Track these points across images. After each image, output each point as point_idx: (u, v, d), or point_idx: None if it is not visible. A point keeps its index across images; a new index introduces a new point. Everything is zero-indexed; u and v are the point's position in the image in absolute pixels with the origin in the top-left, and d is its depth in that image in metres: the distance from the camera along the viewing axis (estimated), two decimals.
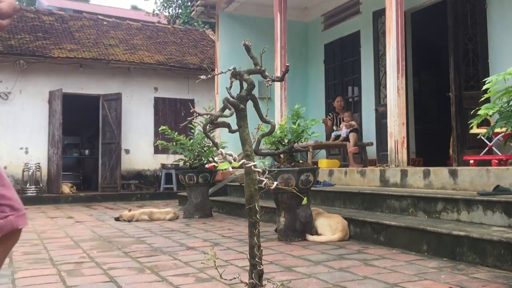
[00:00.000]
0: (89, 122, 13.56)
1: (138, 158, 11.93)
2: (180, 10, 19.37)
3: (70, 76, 11.37)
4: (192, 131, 6.65)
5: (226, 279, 2.20)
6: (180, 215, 6.59)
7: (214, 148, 6.15)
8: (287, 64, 1.26)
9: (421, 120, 8.39)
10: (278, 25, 7.80)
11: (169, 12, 19.47)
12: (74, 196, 10.42)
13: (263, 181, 1.23)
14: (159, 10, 19.64)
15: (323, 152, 9.08)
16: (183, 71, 12.33)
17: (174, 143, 6.61)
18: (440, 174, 4.83)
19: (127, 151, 11.78)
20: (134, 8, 32.50)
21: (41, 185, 10.50)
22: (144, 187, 11.81)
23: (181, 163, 6.95)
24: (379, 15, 7.95)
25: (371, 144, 7.88)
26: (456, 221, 3.90)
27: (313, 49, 10.14)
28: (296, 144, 4.37)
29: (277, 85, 7.84)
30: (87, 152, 13.43)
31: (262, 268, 1.18)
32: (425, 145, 8.19)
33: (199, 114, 1.27)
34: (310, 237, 4.28)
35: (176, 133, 6.48)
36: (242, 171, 7.21)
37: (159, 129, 6.74)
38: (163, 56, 12.61)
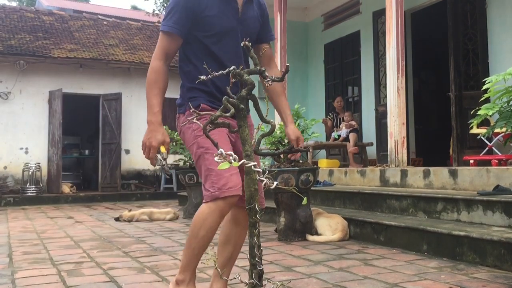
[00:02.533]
0: (89, 122, 13.55)
1: (138, 158, 11.90)
2: None
3: (70, 76, 11.36)
4: None
5: (226, 279, 2.19)
6: (180, 215, 6.59)
7: None
8: (287, 64, 1.26)
9: (421, 120, 8.39)
10: (278, 25, 7.81)
11: None
12: (74, 196, 10.41)
13: (263, 181, 1.23)
14: (159, 10, 19.62)
15: (323, 152, 9.08)
16: None
17: (174, 143, 6.60)
18: (440, 174, 4.83)
19: (127, 151, 11.77)
20: (134, 8, 32.49)
21: (41, 185, 10.50)
22: (144, 187, 11.81)
23: (181, 163, 6.95)
24: (379, 15, 7.95)
25: (371, 144, 7.88)
26: (456, 221, 3.90)
27: (313, 49, 10.13)
28: None
29: None
30: (87, 152, 13.42)
31: (262, 268, 1.18)
32: (425, 145, 8.19)
33: (199, 114, 1.27)
34: (310, 237, 4.28)
35: (176, 133, 6.48)
36: None
37: None
38: None
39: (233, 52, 2.04)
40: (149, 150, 1.98)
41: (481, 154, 5.87)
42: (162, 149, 1.95)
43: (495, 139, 5.81)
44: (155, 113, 2.00)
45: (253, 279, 1.20)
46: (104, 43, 12.46)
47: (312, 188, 4.79)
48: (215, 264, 2.16)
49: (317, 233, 4.31)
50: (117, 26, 14.04)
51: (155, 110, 2.01)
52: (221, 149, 1.36)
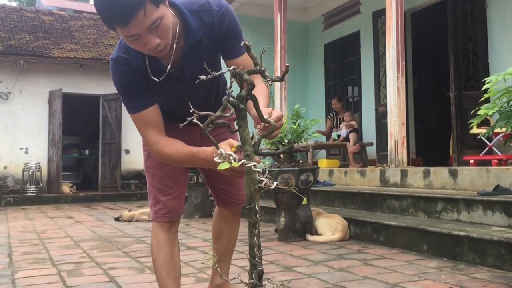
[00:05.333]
0: (89, 122, 13.55)
1: (138, 158, 11.90)
2: None
3: (70, 76, 11.36)
4: None
5: (226, 279, 2.19)
6: None
7: None
8: (287, 64, 1.26)
9: (421, 120, 8.39)
10: (278, 25, 7.80)
11: None
12: (74, 196, 10.41)
13: (263, 181, 1.22)
14: None
15: (323, 152, 9.08)
16: None
17: None
18: (440, 174, 4.83)
19: (127, 151, 11.77)
20: None
21: (41, 185, 10.50)
22: (144, 187, 11.80)
23: None
24: (379, 15, 7.95)
25: (371, 144, 7.87)
26: (456, 221, 3.90)
27: (313, 49, 10.13)
28: (296, 144, 4.37)
29: (277, 85, 7.84)
30: (87, 152, 13.42)
31: (262, 268, 1.18)
32: (425, 145, 8.18)
33: (199, 114, 1.27)
34: (310, 237, 4.28)
35: None
36: None
37: None
38: None
39: (184, 102, 1.62)
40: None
41: (481, 154, 5.87)
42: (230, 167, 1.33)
43: (495, 139, 5.81)
44: (202, 158, 1.67)
45: (253, 279, 1.20)
46: (104, 43, 12.45)
47: (312, 188, 4.79)
48: (215, 264, 2.17)
49: (317, 233, 4.31)
50: None
51: (200, 156, 1.68)
52: (221, 149, 1.36)
